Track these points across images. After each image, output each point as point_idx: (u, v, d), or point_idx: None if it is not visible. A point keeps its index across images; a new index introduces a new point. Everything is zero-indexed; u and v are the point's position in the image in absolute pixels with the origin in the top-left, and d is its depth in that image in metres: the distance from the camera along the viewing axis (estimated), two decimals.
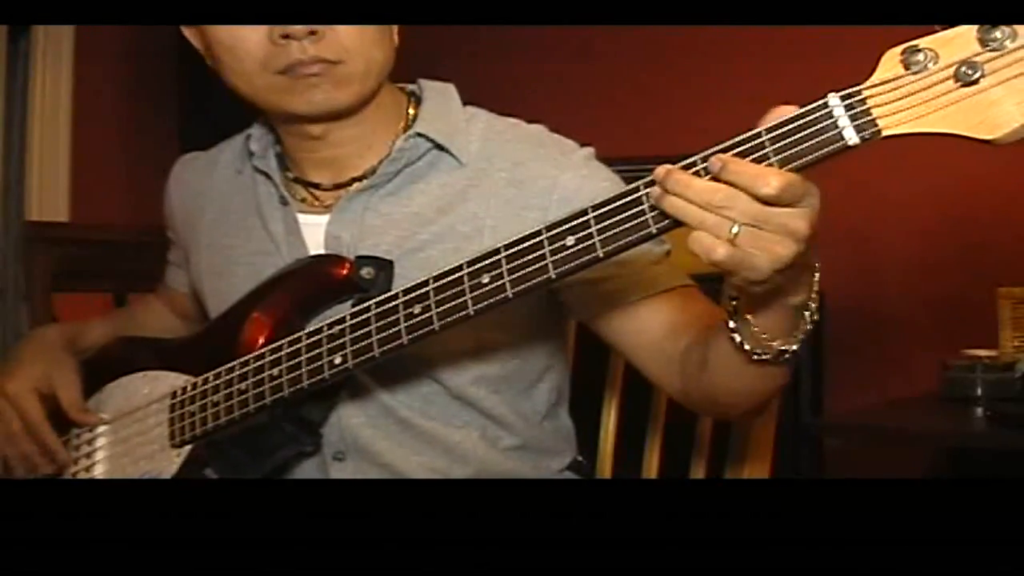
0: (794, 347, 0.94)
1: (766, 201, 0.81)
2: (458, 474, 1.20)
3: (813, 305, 0.92)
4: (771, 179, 0.80)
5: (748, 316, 0.93)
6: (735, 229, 0.81)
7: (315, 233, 1.20)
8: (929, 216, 2.50)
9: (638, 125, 2.73)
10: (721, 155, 0.83)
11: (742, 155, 0.83)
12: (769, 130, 0.82)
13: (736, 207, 0.81)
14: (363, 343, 1.02)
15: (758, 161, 0.82)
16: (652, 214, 0.86)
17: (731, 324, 0.95)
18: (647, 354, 1.14)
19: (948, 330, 2.42)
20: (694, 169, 0.84)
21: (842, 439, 2.27)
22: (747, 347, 0.94)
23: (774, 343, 0.94)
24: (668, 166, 0.85)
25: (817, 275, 0.91)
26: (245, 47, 1.11)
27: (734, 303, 0.93)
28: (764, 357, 0.95)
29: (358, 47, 1.11)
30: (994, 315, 2.17)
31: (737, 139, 0.84)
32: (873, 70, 0.80)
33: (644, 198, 0.87)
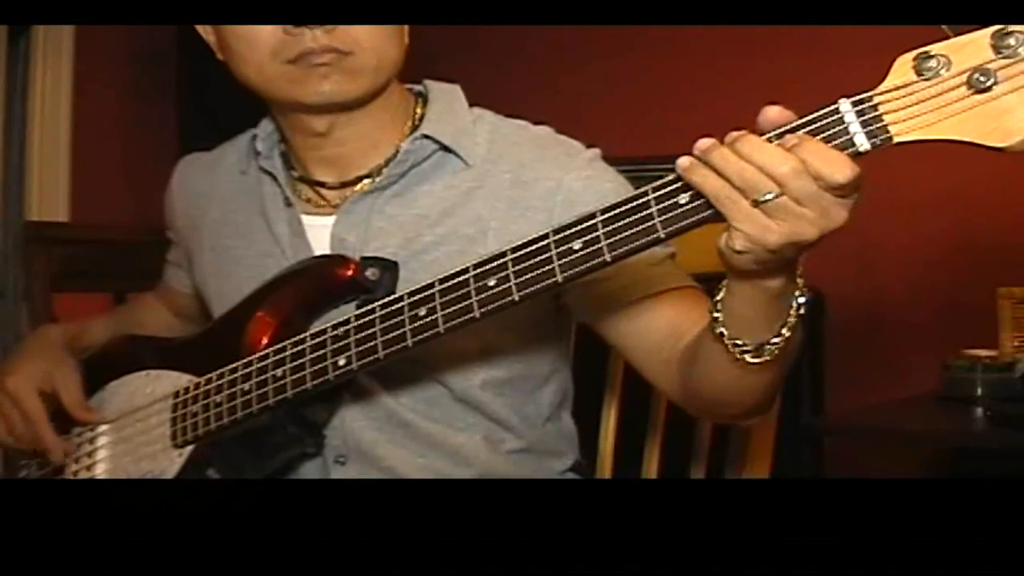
0: (775, 340, 0.91)
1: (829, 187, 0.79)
2: (461, 477, 1.19)
3: (797, 296, 0.90)
4: (847, 169, 0.78)
5: (731, 306, 0.91)
6: (768, 195, 0.79)
7: (320, 235, 1.19)
8: (929, 216, 2.50)
9: (639, 125, 2.73)
10: (799, 134, 0.80)
11: None
12: (780, 135, 0.81)
13: (794, 182, 0.78)
14: (367, 345, 1.02)
15: None
16: (660, 219, 0.86)
17: (715, 314, 0.92)
18: (647, 355, 1.13)
19: (948, 330, 2.41)
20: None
21: (842, 439, 2.26)
22: (727, 336, 0.92)
23: (755, 334, 0.91)
24: (712, 140, 0.82)
25: (800, 267, 0.89)
26: (257, 36, 1.11)
27: (720, 292, 0.91)
28: (746, 349, 0.92)
29: (370, 40, 1.11)
30: (994, 315, 2.17)
31: None
32: (884, 75, 0.79)
33: (652, 203, 0.86)
